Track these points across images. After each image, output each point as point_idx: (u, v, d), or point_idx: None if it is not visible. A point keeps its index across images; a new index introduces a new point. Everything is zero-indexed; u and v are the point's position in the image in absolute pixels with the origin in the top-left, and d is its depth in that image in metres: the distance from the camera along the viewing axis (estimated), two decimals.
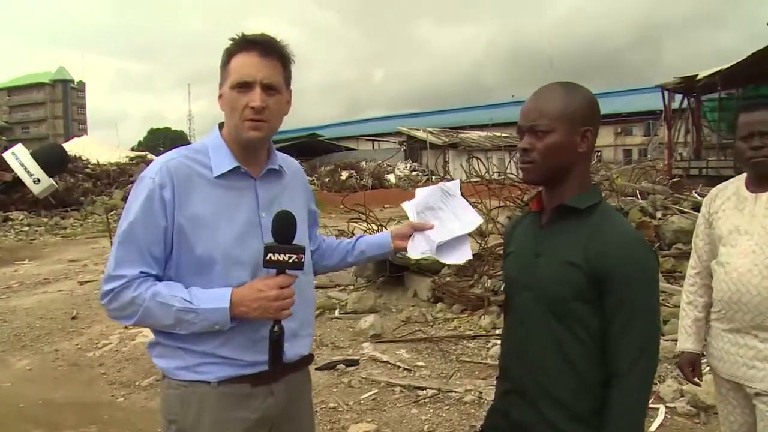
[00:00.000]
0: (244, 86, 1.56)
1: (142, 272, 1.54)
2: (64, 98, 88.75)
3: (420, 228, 1.92)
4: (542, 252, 1.54)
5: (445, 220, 1.93)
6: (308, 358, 1.80)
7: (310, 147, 41.90)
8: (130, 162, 26.96)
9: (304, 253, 1.52)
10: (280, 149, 1.79)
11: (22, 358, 5.74)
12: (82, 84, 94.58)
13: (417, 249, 1.91)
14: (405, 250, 1.94)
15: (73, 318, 7.13)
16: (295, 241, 1.53)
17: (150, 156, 33.26)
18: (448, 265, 1.99)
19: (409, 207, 1.99)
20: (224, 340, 1.58)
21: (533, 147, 1.49)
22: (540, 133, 1.47)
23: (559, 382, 1.48)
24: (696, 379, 2.38)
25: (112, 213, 16.40)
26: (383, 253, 1.98)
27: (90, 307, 7.63)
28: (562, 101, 1.48)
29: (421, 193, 2.00)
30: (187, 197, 1.57)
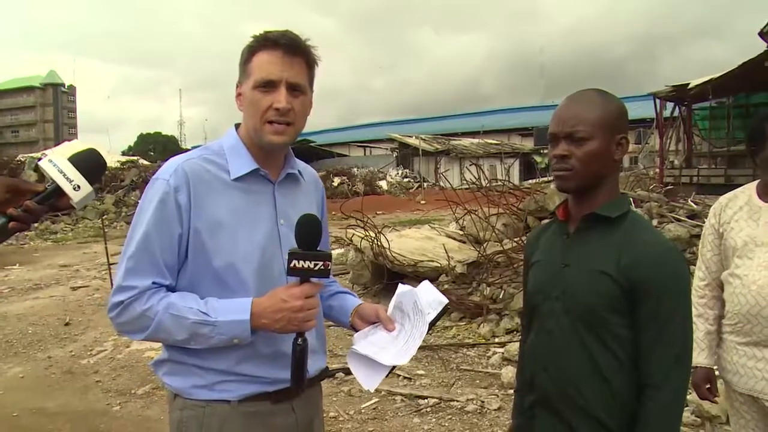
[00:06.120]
0: (267, 86, 1.47)
1: (154, 283, 1.44)
2: (55, 102, 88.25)
3: (383, 322, 1.63)
4: (570, 261, 1.51)
5: (400, 334, 1.60)
6: (325, 372, 1.71)
7: (302, 153, 41.72)
8: (122, 167, 26.81)
9: (330, 260, 1.41)
10: None
11: (14, 365, 5.64)
12: (72, 88, 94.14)
13: (363, 345, 1.58)
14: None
15: (66, 324, 7.03)
16: (319, 248, 1.42)
17: (142, 161, 33.11)
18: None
19: (396, 294, 1.66)
20: (243, 356, 1.48)
21: (572, 154, 1.46)
22: (580, 140, 1.45)
23: (589, 396, 1.45)
24: (713, 397, 2.29)
25: (104, 217, 16.26)
26: (341, 321, 1.74)
27: (83, 313, 7.53)
28: (600, 108, 1.46)
29: (402, 288, 1.66)
30: (205, 202, 1.46)
